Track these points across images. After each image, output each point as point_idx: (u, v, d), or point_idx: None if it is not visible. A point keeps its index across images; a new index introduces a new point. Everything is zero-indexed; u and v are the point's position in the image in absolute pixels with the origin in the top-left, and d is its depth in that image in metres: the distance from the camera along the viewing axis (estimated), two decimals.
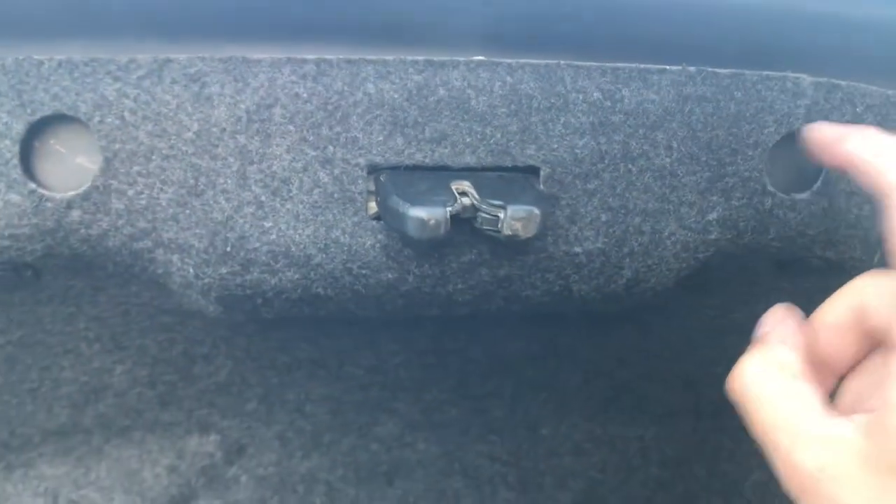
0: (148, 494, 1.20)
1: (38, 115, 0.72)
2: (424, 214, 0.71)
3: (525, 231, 0.72)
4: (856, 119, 0.85)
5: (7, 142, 0.72)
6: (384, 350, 1.18)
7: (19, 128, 0.72)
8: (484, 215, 0.73)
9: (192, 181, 0.75)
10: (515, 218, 0.72)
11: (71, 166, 0.74)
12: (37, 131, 0.73)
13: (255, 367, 1.15)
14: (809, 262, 0.93)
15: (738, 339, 1.14)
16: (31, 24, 0.74)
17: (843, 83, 0.84)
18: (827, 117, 0.84)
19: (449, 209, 0.72)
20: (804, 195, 0.86)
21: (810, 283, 1.00)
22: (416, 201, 0.72)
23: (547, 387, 1.27)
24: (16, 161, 0.72)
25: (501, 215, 0.72)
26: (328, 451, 1.26)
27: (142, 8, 0.75)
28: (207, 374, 1.14)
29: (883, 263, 0.84)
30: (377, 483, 1.27)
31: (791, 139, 0.85)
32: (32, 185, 0.73)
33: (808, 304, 1.06)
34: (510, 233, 0.72)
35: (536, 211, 0.73)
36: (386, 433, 1.27)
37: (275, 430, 1.24)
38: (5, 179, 0.73)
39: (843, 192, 0.87)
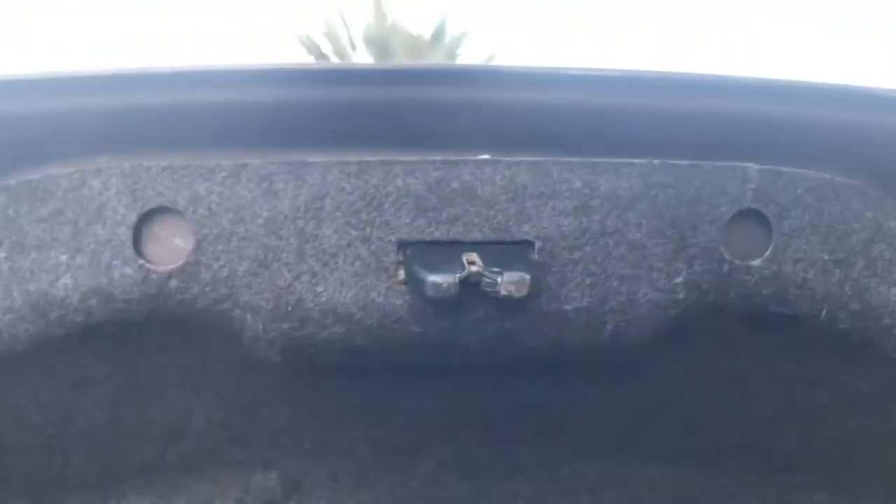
0: None
1: (146, 208, 0.95)
2: (439, 279, 0.92)
3: (518, 292, 0.93)
4: (798, 199, 1.04)
5: (123, 228, 0.95)
6: (419, 398, 1.37)
7: (132, 217, 0.95)
8: (486, 280, 0.94)
9: (262, 256, 0.97)
10: (510, 282, 0.92)
11: (171, 246, 0.97)
12: (145, 220, 0.96)
13: (309, 412, 1.35)
14: (770, 318, 1.11)
15: (725, 386, 1.32)
16: (143, 139, 0.98)
17: (785, 169, 1.04)
18: (773, 198, 1.03)
19: (458, 276, 0.92)
20: (756, 262, 1.04)
21: (779, 336, 1.18)
22: (432, 270, 0.93)
23: (563, 431, 1.43)
24: (129, 243, 0.95)
25: (499, 280, 0.92)
26: (373, 488, 1.44)
27: (224, 124, 0.98)
28: (270, 417, 1.34)
29: (828, 319, 1.03)
30: None
31: (743, 216, 1.04)
32: (141, 261, 0.96)
33: (780, 355, 1.23)
34: (506, 293, 0.92)
35: (527, 276, 0.93)
36: (423, 473, 1.45)
37: (326, 470, 1.42)
38: (121, 257, 0.95)
39: (790, 258, 1.05)
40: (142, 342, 1.10)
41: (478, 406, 1.41)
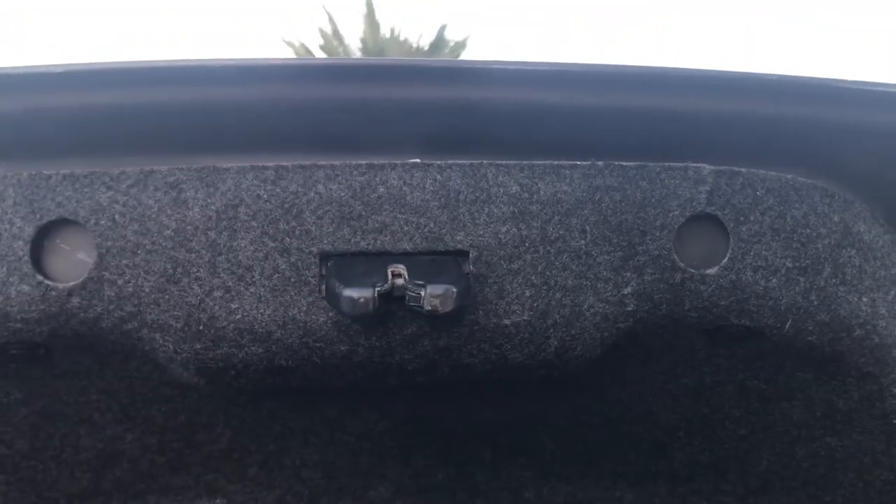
0: None
1: (45, 220, 0.88)
2: (355, 294, 0.84)
3: (443, 306, 0.85)
4: (757, 202, 0.96)
5: (20, 242, 0.88)
6: (369, 418, 1.30)
7: (30, 230, 0.88)
8: (410, 293, 0.86)
9: (170, 271, 0.89)
10: (434, 295, 0.84)
11: (72, 261, 0.90)
12: (44, 233, 0.89)
13: (253, 436, 1.27)
14: (732, 330, 1.03)
15: (692, 402, 1.23)
16: (41, 144, 0.90)
17: (743, 170, 0.96)
18: (729, 201, 0.96)
19: (378, 289, 0.84)
20: (713, 270, 0.97)
21: (742, 350, 1.10)
22: (349, 283, 0.85)
23: (525, 451, 1.36)
24: (27, 258, 0.88)
25: (423, 293, 0.84)
26: None
27: (129, 128, 0.91)
28: (210, 441, 1.26)
29: (794, 330, 0.94)
30: None
31: (697, 220, 0.96)
32: (40, 278, 0.89)
33: (746, 369, 1.15)
34: (430, 308, 0.84)
35: (453, 289, 0.85)
36: (378, 498, 1.37)
37: (275, 495, 1.35)
38: (18, 273, 0.88)
39: (749, 266, 0.97)
40: (54, 364, 1.03)
41: (432, 426, 1.33)
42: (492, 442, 1.35)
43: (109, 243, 0.88)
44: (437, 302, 0.84)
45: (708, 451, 1.31)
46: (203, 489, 1.33)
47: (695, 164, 0.94)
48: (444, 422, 1.32)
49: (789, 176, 0.96)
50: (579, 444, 1.35)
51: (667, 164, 0.93)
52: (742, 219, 0.96)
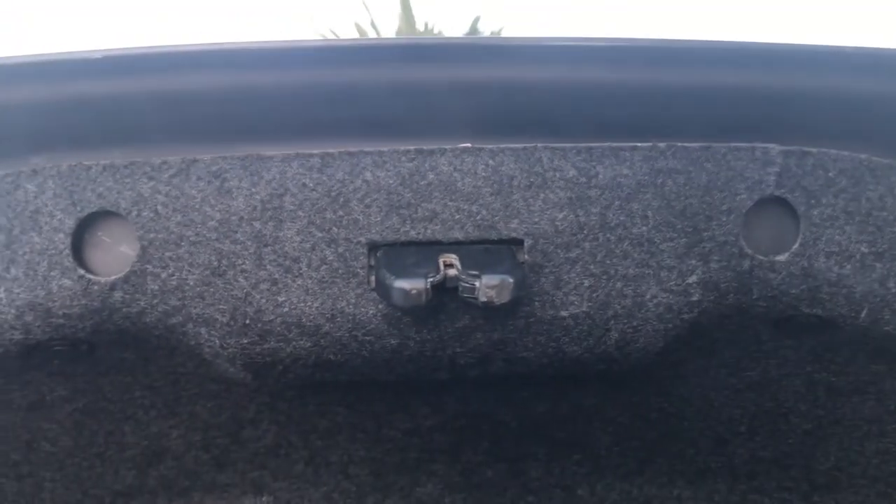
0: None
1: (85, 212, 0.85)
2: (407, 285, 0.80)
3: (499, 297, 0.80)
4: (829, 183, 0.90)
5: (60, 235, 0.85)
6: (418, 413, 1.26)
7: (70, 223, 0.85)
8: (464, 284, 0.81)
9: (215, 263, 0.86)
10: (489, 286, 0.80)
11: (114, 254, 0.87)
12: (85, 225, 0.86)
13: (299, 431, 1.24)
14: (802, 320, 0.97)
15: (756, 396, 1.18)
16: (80, 134, 0.88)
17: (813, 150, 0.90)
18: (799, 183, 0.90)
19: (430, 280, 0.80)
20: (783, 256, 0.91)
21: (812, 341, 1.04)
22: (400, 274, 0.81)
23: (579, 448, 1.31)
24: (68, 251, 0.85)
25: (478, 284, 0.80)
26: None
27: (170, 115, 0.88)
28: (256, 438, 1.23)
29: (869, 320, 0.88)
30: None
31: (766, 204, 0.90)
32: (81, 271, 0.86)
33: (815, 362, 1.09)
34: (485, 299, 0.80)
35: (510, 279, 0.80)
36: (426, 494, 1.34)
37: (322, 492, 1.32)
38: (59, 267, 0.86)
39: (822, 251, 0.91)
40: (97, 361, 1.01)
41: (483, 421, 1.29)
42: (545, 437, 1.30)
43: (152, 235, 0.85)
44: (492, 293, 0.80)
45: (771, 447, 1.25)
46: (249, 486, 1.31)
47: (763, 145, 0.89)
48: (496, 417, 1.28)
49: (864, 156, 0.90)
50: (636, 440, 1.30)
51: (733, 144, 0.88)
52: (813, 202, 0.90)
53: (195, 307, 0.87)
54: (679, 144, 0.87)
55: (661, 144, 0.87)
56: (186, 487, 1.28)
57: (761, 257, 0.90)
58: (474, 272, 0.81)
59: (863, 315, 0.92)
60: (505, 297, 0.80)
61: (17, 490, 1.18)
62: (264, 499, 1.32)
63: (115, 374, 1.05)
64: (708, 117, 0.89)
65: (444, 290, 0.83)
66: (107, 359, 1.00)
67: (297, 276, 0.86)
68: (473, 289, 0.81)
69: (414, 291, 0.79)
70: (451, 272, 0.83)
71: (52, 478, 1.18)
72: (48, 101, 0.87)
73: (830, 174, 0.90)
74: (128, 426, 1.15)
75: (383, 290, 0.83)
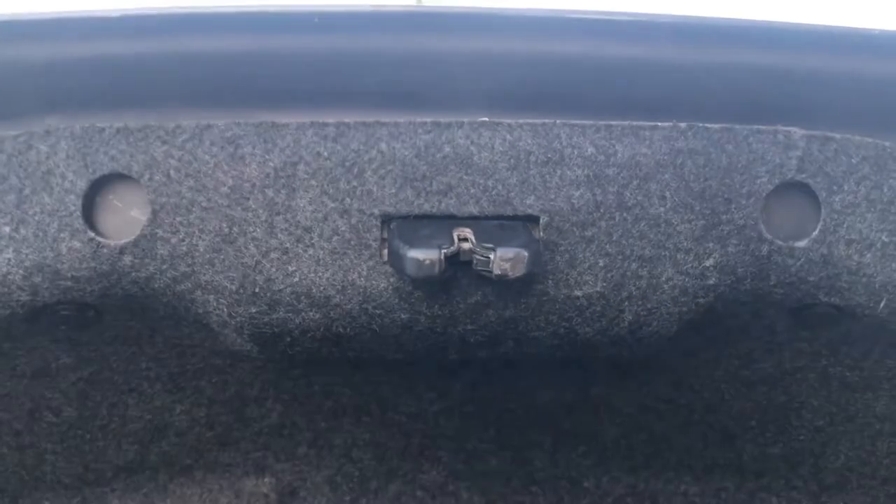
0: None
1: (98, 175, 0.84)
2: (420, 255, 0.79)
3: (514, 271, 0.79)
4: (851, 170, 0.89)
5: (72, 196, 0.84)
6: (423, 397, 1.25)
7: (82, 185, 0.84)
8: (478, 257, 0.80)
9: (226, 230, 0.85)
10: (504, 259, 0.79)
11: (125, 217, 0.86)
12: (97, 187, 0.85)
13: (304, 412, 1.23)
14: (819, 309, 0.96)
15: (767, 390, 1.16)
16: (96, 96, 0.87)
17: (836, 135, 0.88)
18: (822, 168, 0.88)
19: (444, 251, 0.79)
20: (802, 242, 0.89)
21: (828, 333, 1.02)
22: (414, 244, 0.80)
23: (586, 438, 1.29)
24: (79, 213, 0.84)
25: (492, 256, 0.79)
26: (376, 497, 1.32)
27: (185, 79, 0.87)
28: (260, 417, 1.22)
29: (888, 310, 0.87)
30: None
31: (786, 189, 0.89)
32: (91, 234, 0.85)
33: (830, 355, 1.07)
34: (500, 272, 0.79)
35: (524, 252, 0.79)
36: (430, 481, 1.32)
37: (325, 475, 1.31)
38: (69, 229, 0.85)
39: (842, 239, 0.89)
40: (104, 329, 1.00)
41: (489, 408, 1.27)
42: (552, 427, 1.29)
43: (163, 199, 0.84)
44: (507, 266, 0.79)
45: (781, 444, 1.23)
46: (251, 467, 1.29)
47: (785, 128, 0.87)
48: (502, 404, 1.26)
49: (887, 143, 0.89)
50: (644, 433, 1.29)
51: (755, 126, 0.86)
52: (835, 188, 0.89)
53: (204, 274, 0.86)
54: (700, 125, 0.86)
55: (682, 124, 0.86)
56: (188, 465, 1.27)
57: (780, 243, 0.89)
58: (489, 245, 0.80)
59: (882, 305, 0.91)
60: (520, 271, 0.79)
61: (17, 461, 1.17)
62: (266, 480, 1.30)
63: (121, 344, 1.04)
64: (730, 98, 0.88)
65: (458, 265, 0.82)
66: (113, 326, 0.99)
67: (308, 246, 0.85)
68: (488, 262, 0.79)
69: (427, 261, 0.78)
70: (466, 245, 0.81)
71: (53, 450, 1.17)
72: (63, 60, 0.86)
73: (853, 160, 0.88)
74: (131, 399, 1.14)
75: (396, 259, 0.81)
